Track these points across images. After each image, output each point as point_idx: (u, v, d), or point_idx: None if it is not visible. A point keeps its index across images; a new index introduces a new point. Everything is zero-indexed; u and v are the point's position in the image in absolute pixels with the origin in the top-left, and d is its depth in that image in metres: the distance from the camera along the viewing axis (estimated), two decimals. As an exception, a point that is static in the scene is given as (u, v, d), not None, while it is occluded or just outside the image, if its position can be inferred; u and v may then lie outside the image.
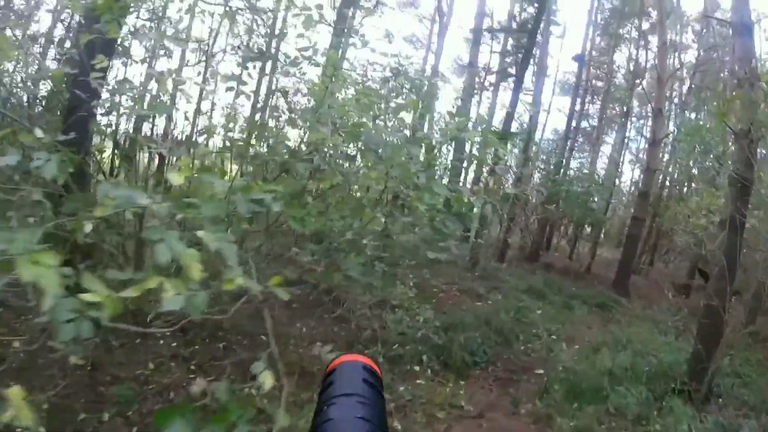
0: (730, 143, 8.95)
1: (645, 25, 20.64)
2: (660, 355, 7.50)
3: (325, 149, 5.30)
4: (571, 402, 5.87)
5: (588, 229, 20.60)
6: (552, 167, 17.90)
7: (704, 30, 20.55)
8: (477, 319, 8.39)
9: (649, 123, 26.88)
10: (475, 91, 20.68)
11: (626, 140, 24.44)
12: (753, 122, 6.39)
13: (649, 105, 18.48)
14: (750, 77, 6.60)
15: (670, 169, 21.06)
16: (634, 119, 25.26)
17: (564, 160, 18.35)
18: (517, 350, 8.06)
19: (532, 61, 18.36)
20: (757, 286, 7.26)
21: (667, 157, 20.73)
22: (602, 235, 21.84)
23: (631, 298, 14.66)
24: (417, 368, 6.77)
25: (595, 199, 16.91)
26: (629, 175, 28.87)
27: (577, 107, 22.15)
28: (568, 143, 20.23)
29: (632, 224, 15.58)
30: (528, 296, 11.42)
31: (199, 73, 13.73)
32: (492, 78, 22.07)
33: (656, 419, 5.55)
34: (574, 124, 21.67)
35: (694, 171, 17.34)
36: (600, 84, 24.02)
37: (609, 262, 20.62)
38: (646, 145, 16.38)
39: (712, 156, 15.86)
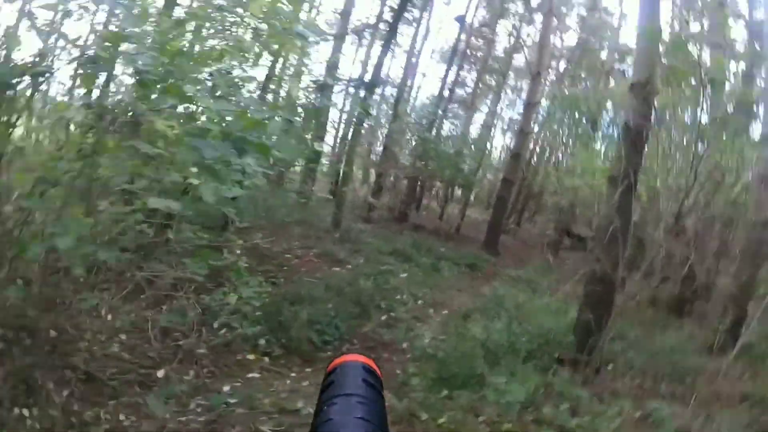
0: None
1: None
2: (539, 320, 6.47)
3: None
4: (438, 390, 4.55)
5: (458, 192, 20.03)
6: (425, 127, 16.77)
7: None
8: (329, 289, 6.91)
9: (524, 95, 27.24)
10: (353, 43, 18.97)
11: (500, 110, 24.23)
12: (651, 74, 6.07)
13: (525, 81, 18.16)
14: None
15: (542, 135, 20.96)
16: (508, 91, 25.00)
17: (437, 121, 17.27)
18: (377, 322, 6.71)
19: (416, 24, 17.24)
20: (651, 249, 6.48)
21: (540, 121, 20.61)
22: (472, 198, 21.37)
23: (501, 258, 14.08)
24: (251, 357, 5.18)
25: (467, 161, 16.07)
26: (501, 140, 29.00)
27: (453, 74, 21.29)
28: (442, 105, 19.18)
29: (502, 186, 14.97)
30: (394, 259, 10.17)
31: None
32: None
33: (543, 403, 4.39)
34: (449, 88, 20.74)
35: (565, 137, 17.07)
36: (480, 54, 23.45)
37: (479, 224, 20.21)
38: (521, 109, 15.76)
39: (584, 121, 15.70)
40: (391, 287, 7.99)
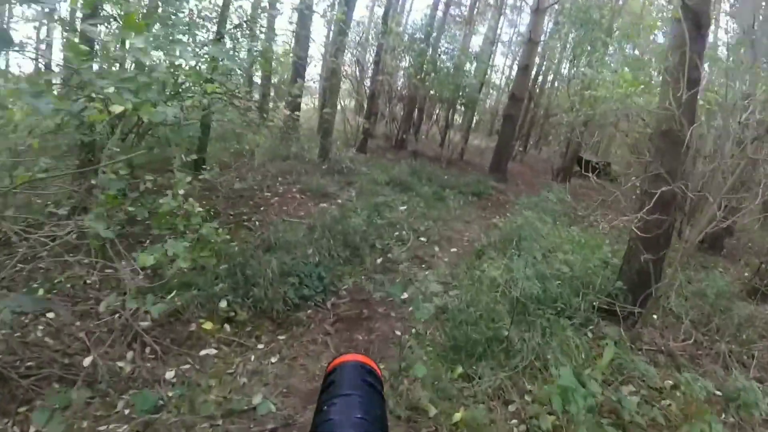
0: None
1: None
2: (569, 258, 5.24)
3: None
4: (452, 365, 3.37)
5: (458, 118, 18.46)
6: (420, 41, 14.98)
7: None
8: (312, 231, 5.71)
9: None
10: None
11: (501, 27, 22.12)
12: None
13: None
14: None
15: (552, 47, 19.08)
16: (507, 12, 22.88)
17: (433, 36, 15.45)
18: (372, 267, 5.51)
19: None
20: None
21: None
22: (475, 122, 19.79)
23: (510, 184, 12.78)
24: (208, 326, 4.00)
25: (469, 76, 14.38)
26: (502, 60, 27.09)
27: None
28: (437, 23, 17.17)
29: (510, 103, 13.35)
30: (391, 189, 8.90)
31: None
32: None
33: (599, 380, 3.22)
34: (444, 4, 18.67)
35: (577, 48, 15.23)
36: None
37: (482, 151, 18.82)
38: (530, 13, 13.83)
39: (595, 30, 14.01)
40: (387, 222, 6.75)
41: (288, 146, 9.99)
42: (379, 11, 16.05)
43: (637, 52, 14.63)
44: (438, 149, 15.79)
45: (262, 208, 6.98)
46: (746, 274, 7.05)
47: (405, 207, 7.78)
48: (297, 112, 10.92)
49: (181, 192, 4.04)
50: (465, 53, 14.77)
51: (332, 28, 14.04)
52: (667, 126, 4.31)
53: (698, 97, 4.27)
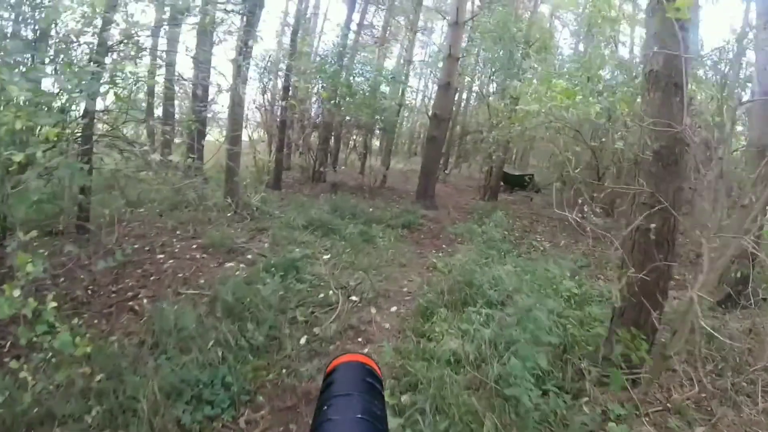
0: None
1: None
2: (539, 316, 4.19)
3: None
4: None
5: (377, 143, 17.58)
6: (333, 63, 13.91)
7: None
8: (211, 312, 4.41)
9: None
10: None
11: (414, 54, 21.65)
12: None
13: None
14: None
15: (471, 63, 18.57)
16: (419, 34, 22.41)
17: (346, 59, 14.44)
18: (295, 352, 4.22)
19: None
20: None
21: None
22: (393, 147, 18.95)
23: (440, 211, 11.85)
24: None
25: (386, 96, 13.43)
26: (417, 82, 26.59)
27: (359, 16, 18.42)
28: (349, 41, 16.20)
29: (433, 124, 12.44)
30: (311, 233, 7.64)
31: None
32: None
33: None
34: (357, 26, 17.82)
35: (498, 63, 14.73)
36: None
37: (405, 175, 17.98)
38: (447, 27, 13.07)
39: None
40: (309, 283, 5.49)
41: (191, 190, 8.56)
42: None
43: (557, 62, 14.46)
44: (359, 177, 14.74)
45: (152, 278, 5.56)
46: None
47: (329, 256, 6.55)
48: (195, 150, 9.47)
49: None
50: (381, 73, 13.82)
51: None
52: (663, 144, 3.39)
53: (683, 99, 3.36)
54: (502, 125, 11.94)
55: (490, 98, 16.26)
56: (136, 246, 6.40)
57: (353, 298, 5.37)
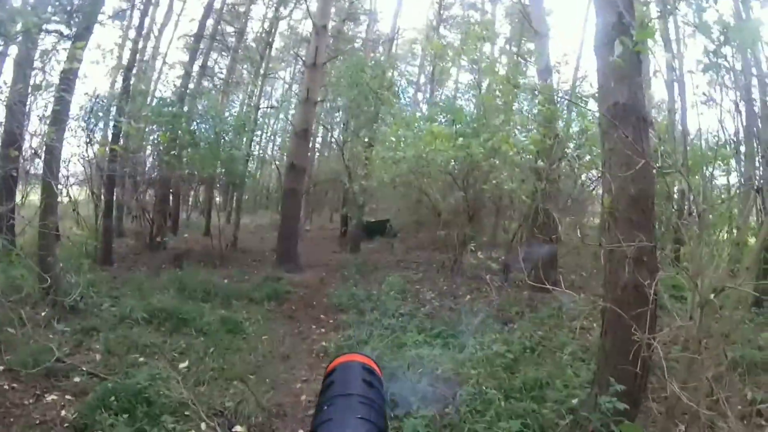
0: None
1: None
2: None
3: None
4: None
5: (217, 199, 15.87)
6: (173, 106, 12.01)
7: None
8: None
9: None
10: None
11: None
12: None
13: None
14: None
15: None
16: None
17: (188, 105, 12.66)
18: None
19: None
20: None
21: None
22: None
23: (308, 272, 10.52)
24: None
25: (233, 145, 11.84)
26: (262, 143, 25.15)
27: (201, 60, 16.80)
28: (191, 88, 14.37)
29: (291, 175, 11.14)
30: (156, 332, 5.87)
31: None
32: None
33: None
34: (197, 71, 16.09)
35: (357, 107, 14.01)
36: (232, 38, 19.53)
37: (256, 232, 16.39)
38: (302, 69, 11.98)
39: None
40: (169, 417, 3.85)
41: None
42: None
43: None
44: (204, 241, 12.90)
45: None
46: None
47: (187, 365, 4.91)
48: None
49: None
50: (223, 121, 12.22)
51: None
52: (641, 188, 2.69)
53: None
54: (366, 173, 11.15)
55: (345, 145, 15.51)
56: None
57: (238, 429, 3.85)
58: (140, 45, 12.97)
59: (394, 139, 9.98)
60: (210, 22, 16.90)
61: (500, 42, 15.64)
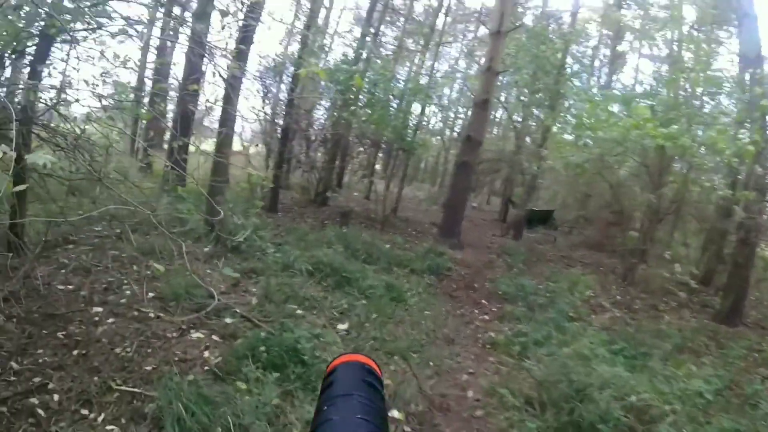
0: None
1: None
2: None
3: None
4: None
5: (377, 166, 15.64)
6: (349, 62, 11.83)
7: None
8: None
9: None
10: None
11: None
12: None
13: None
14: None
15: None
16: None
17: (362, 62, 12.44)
18: None
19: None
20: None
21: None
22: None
23: (465, 251, 9.79)
24: None
25: (406, 113, 11.34)
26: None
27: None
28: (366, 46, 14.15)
29: (465, 147, 10.38)
30: (316, 282, 5.52)
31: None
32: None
33: None
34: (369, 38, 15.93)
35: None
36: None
37: (416, 203, 16.00)
38: (487, 33, 11.12)
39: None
40: (315, 375, 3.34)
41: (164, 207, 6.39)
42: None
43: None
44: (364, 203, 12.68)
45: (76, 351, 3.46)
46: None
47: (346, 327, 4.43)
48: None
49: None
50: (415, 85, 11.71)
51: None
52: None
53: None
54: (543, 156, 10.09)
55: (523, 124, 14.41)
56: (70, 287, 4.41)
57: (395, 414, 3.24)
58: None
59: (587, 119, 8.75)
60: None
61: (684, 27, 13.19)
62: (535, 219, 15.37)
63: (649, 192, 8.29)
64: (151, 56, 10.78)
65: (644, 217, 8.86)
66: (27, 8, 3.75)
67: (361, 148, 13.17)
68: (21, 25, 3.85)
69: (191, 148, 7.65)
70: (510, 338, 4.92)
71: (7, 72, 4.28)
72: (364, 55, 13.10)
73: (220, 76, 4.84)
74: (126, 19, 4.22)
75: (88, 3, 4.12)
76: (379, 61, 13.13)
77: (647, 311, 7.01)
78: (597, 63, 19.39)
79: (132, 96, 4.78)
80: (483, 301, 6.68)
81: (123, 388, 3.11)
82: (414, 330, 4.78)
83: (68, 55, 4.24)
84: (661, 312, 7.01)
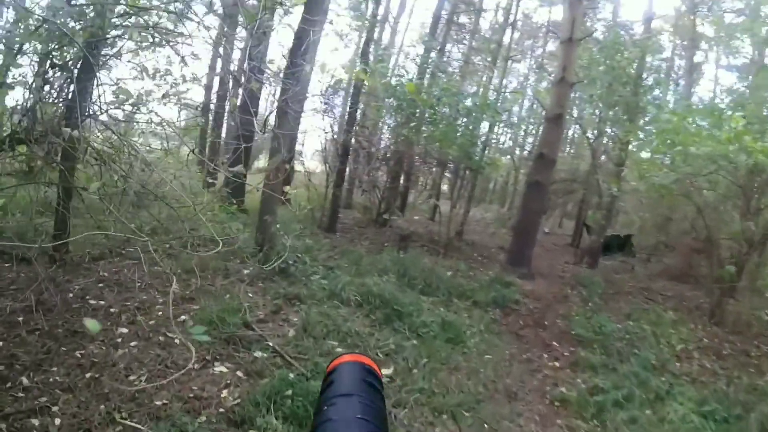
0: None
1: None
2: None
3: None
4: None
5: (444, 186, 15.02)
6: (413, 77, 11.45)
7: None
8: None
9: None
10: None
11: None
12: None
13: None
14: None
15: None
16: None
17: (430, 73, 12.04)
18: None
19: None
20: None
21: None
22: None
23: (536, 280, 8.99)
24: None
25: (473, 129, 10.73)
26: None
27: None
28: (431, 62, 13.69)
29: (537, 166, 9.63)
30: (364, 319, 4.96)
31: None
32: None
33: None
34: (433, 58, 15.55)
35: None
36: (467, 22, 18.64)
37: (482, 224, 15.27)
38: (557, 46, 10.50)
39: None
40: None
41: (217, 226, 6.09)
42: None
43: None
44: (428, 224, 12.08)
45: (89, 375, 3.24)
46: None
47: (391, 372, 3.85)
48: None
49: None
50: (484, 101, 11.11)
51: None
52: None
53: None
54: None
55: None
56: (102, 302, 4.15)
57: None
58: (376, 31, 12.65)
59: (674, 134, 7.82)
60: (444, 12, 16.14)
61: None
62: (610, 244, 14.28)
63: (743, 216, 7.32)
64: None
65: (737, 246, 7.80)
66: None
67: (428, 168, 12.60)
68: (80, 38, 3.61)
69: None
70: (584, 395, 4.18)
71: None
72: (429, 71, 12.66)
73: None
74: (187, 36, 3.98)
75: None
76: (442, 75, 12.64)
77: (737, 357, 6.02)
78: (672, 75, 18.19)
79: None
80: (554, 343, 5.92)
81: (126, 422, 2.81)
82: (470, 380, 4.13)
83: (142, 73, 4.03)
84: (752, 358, 6.00)
